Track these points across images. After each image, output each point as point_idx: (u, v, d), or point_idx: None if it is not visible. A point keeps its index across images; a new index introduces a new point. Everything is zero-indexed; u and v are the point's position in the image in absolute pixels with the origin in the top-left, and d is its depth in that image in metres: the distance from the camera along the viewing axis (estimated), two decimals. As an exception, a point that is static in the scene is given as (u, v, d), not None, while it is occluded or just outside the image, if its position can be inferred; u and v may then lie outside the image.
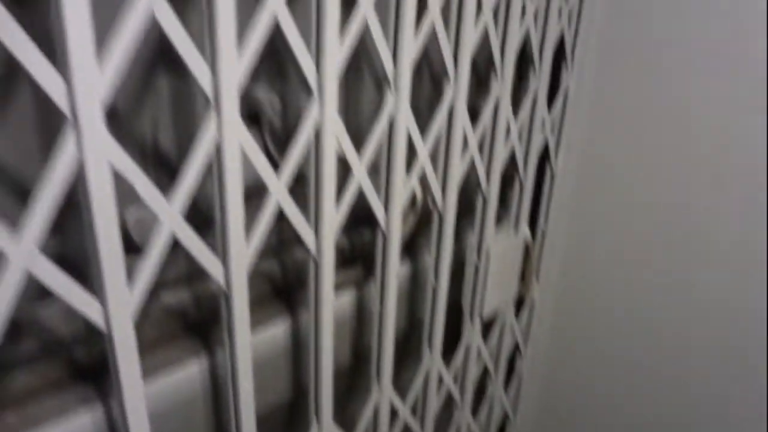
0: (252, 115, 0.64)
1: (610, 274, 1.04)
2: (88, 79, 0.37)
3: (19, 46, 0.34)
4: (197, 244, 0.48)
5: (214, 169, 0.47)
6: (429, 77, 0.73)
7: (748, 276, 0.90)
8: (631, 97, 0.93)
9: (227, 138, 0.46)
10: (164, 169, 0.60)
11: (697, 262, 0.94)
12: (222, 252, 0.50)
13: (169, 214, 0.45)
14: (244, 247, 0.50)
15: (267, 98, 0.63)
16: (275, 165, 0.56)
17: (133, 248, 0.56)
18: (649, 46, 0.90)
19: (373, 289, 0.70)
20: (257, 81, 0.64)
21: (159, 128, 0.58)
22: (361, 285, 0.80)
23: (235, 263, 0.50)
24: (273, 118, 0.64)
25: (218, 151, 0.47)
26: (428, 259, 0.79)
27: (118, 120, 0.56)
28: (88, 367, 0.57)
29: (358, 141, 0.60)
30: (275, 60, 0.54)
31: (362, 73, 0.75)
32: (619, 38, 0.92)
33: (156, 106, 0.58)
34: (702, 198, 0.91)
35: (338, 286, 0.78)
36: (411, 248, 0.89)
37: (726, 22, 0.83)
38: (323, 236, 0.58)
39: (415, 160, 0.67)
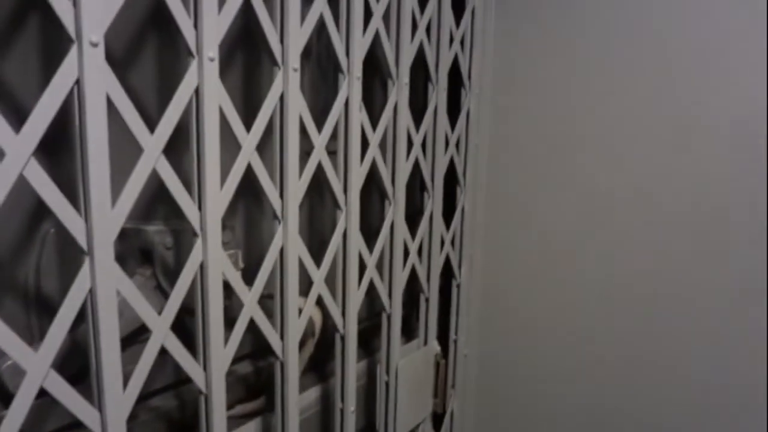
0: (145, 251, 0.65)
1: (527, 379, 1.06)
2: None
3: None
4: (69, 393, 0.47)
5: (88, 315, 0.47)
6: (330, 205, 0.76)
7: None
8: (520, 211, 1.01)
9: (101, 284, 0.47)
10: (47, 314, 0.59)
11: (606, 365, 0.98)
12: (98, 400, 0.49)
13: (36, 365, 0.44)
14: (120, 395, 0.49)
15: (159, 235, 0.64)
16: (167, 298, 0.56)
17: (8, 397, 0.54)
18: (531, 168, 0.99)
19: (276, 419, 0.69)
20: (151, 219, 0.66)
21: (41, 274, 0.58)
22: (266, 414, 0.78)
23: (113, 412, 0.49)
24: (165, 254, 0.65)
25: (92, 297, 0.47)
26: (336, 361, 0.78)
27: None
28: None
29: (251, 273, 0.62)
30: (168, 199, 0.56)
31: (261, 207, 0.78)
32: (505, 163, 1.01)
33: (39, 252, 0.58)
34: (597, 302, 0.97)
35: (239, 418, 0.75)
36: (318, 370, 0.89)
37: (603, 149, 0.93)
38: (212, 372, 0.57)
39: (312, 287, 0.69)
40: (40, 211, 0.58)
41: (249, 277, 0.63)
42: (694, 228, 0.88)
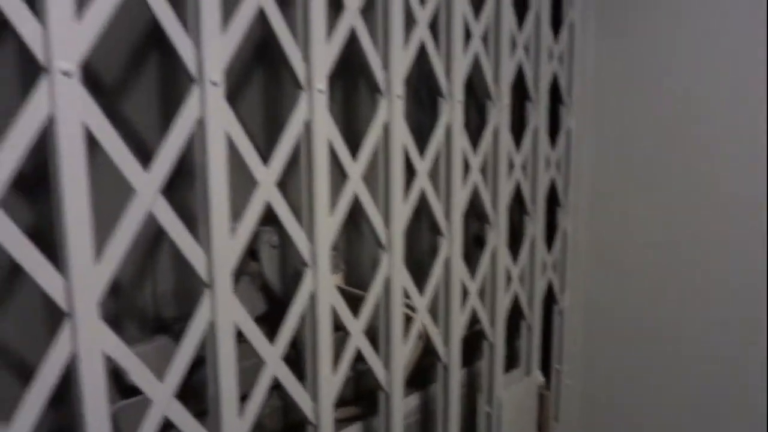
0: (252, 250, 0.66)
1: (633, 412, 0.99)
2: (86, 278, 0.39)
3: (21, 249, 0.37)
4: (190, 422, 0.48)
5: (208, 348, 0.48)
6: (428, 232, 0.75)
7: None
8: (626, 233, 0.95)
9: (221, 317, 0.47)
10: (166, 334, 0.61)
11: (722, 397, 0.89)
12: (216, 429, 0.50)
13: (161, 395, 0.45)
14: (237, 422, 0.50)
15: (266, 234, 0.65)
16: (272, 298, 0.58)
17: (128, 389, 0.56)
18: (637, 188, 0.93)
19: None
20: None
21: (160, 299, 0.60)
22: (367, 419, 0.76)
23: (229, 441, 0.50)
24: (271, 253, 0.66)
25: (212, 330, 0.48)
26: (437, 389, 0.76)
27: (121, 294, 0.58)
28: None
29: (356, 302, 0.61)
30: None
31: (362, 233, 0.77)
32: (609, 183, 0.96)
33: (156, 278, 0.60)
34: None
35: (339, 422, 0.74)
36: (420, 377, 0.85)
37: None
38: (321, 402, 0.57)
39: (415, 315, 0.68)
40: (158, 243, 0.61)
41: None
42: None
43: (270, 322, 0.64)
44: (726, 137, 0.85)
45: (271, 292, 0.67)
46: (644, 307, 0.95)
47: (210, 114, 0.45)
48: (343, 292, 0.60)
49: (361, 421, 0.75)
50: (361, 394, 0.78)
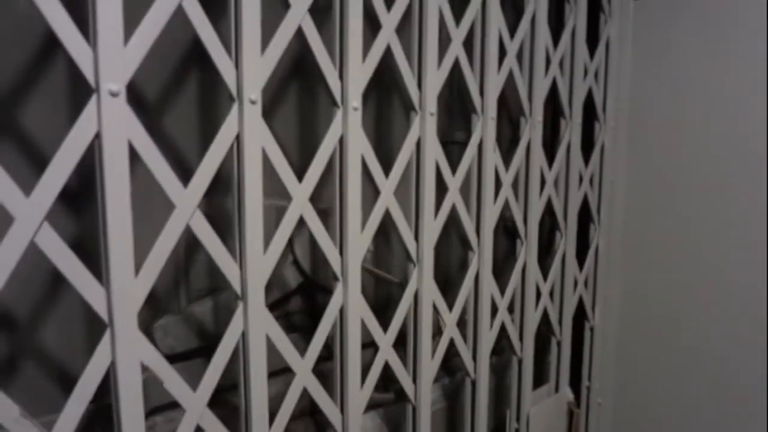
0: None
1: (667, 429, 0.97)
2: (126, 290, 0.41)
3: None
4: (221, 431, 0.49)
5: (240, 356, 0.49)
6: (459, 247, 0.75)
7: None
8: (660, 251, 0.93)
9: (252, 328, 0.48)
10: (199, 337, 0.63)
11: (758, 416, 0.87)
12: (246, 438, 0.51)
13: (194, 403, 0.47)
14: (266, 434, 0.51)
15: None
16: (305, 275, 0.61)
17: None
18: (672, 204, 0.91)
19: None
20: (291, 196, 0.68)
21: (192, 298, 0.62)
22: (391, 406, 0.76)
23: (258, 451, 0.50)
24: (302, 229, 0.66)
25: (244, 340, 0.49)
26: (464, 404, 0.76)
27: (155, 301, 0.60)
28: None
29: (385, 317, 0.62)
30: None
31: (391, 246, 0.78)
32: (643, 199, 0.94)
33: (191, 281, 0.62)
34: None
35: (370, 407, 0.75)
36: (445, 364, 0.84)
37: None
38: (349, 414, 0.58)
39: (444, 329, 0.68)
40: (193, 249, 0.63)
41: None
42: None
43: (296, 299, 0.67)
44: (764, 154, 0.83)
45: (301, 268, 0.68)
46: (678, 325, 0.93)
47: (247, 131, 0.46)
48: (370, 273, 0.60)
49: (380, 407, 0.76)
50: (380, 383, 0.78)
